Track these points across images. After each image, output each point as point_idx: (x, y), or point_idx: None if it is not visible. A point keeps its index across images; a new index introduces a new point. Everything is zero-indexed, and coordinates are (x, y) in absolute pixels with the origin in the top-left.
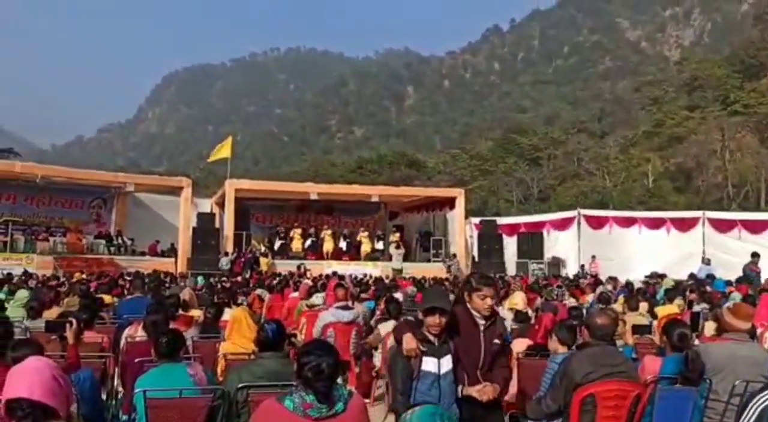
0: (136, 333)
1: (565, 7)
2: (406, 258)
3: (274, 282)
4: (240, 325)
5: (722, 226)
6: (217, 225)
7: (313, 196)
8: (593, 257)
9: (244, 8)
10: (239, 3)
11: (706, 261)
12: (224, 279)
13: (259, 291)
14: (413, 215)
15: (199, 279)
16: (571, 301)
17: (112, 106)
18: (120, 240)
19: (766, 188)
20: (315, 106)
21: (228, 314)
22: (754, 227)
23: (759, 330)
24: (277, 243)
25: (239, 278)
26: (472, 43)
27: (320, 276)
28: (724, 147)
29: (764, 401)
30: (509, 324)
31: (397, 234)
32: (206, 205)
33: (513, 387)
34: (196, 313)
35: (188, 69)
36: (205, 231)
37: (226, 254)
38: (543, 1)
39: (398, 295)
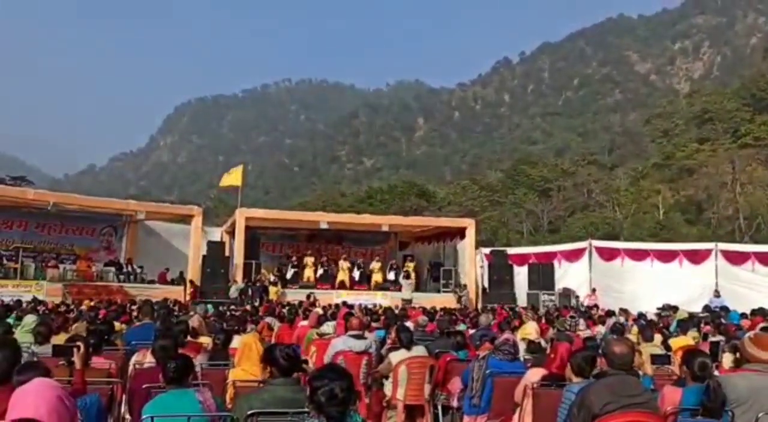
0: (145, 359)
1: (575, 40)
2: (417, 288)
3: (284, 310)
4: (250, 352)
5: (736, 259)
6: (227, 253)
7: (323, 226)
8: (593, 290)
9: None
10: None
11: (716, 294)
12: (233, 307)
13: (268, 319)
14: (424, 245)
15: (209, 307)
16: (586, 332)
17: (125, 136)
18: (130, 268)
19: None
20: (326, 136)
21: (237, 341)
22: (766, 259)
23: None
24: (290, 273)
25: (248, 307)
26: (482, 75)
27: (330, 305)
28: (734, 179)
29: None
30: (522, 354)
31: (408, 265)
32: (216, 234)
33: (528, 418)
34: (206, 340)
35: (200, 99)
36: (215, 259)
37: (236, 282)
38: (552, 34)
39: (409, 324)
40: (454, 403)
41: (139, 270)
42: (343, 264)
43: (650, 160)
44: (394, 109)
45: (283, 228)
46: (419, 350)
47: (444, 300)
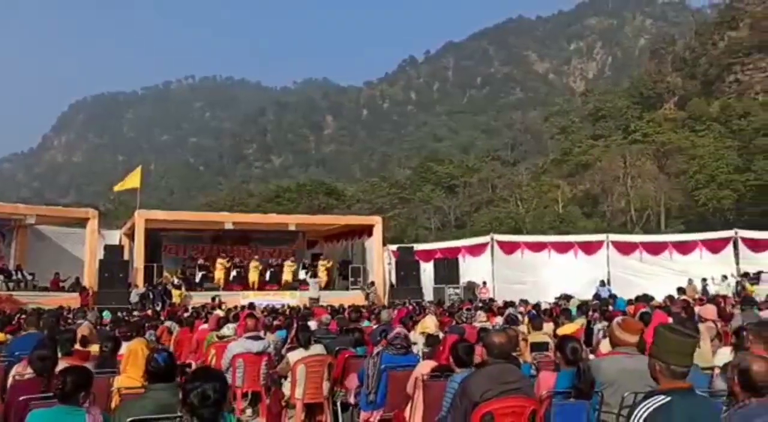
0: (25, 370)
1: (478, 40)
2: (326, 286)
3: (186, 314)
4: (136, 357)
5: (625, 249)
6: (126, 257)
7: (228, 226)
8: (484, 283)
9: (157, 36)
10: (150, 30)
11: (602, 283)
12: (136, 313)
13: (168, 323)
14: (332, 244)
15: (105, 313)
16: (485, 323)
17: (14, 136)
18: (20, 275)
19: (665, 212)
20: (232, 135)
21: (125, 347)
22: (654, 249)
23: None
24: (198, 275)
25: (149, 311)
26: (389, 73)
27: (235, 307)
28: (626, 173)
29: (647, 409)
30: (421, 348)
31: (322, 263)
32: (115, 237)
33: (419, 409)
34: (96, 349)
35: (97, 97)
36: (113, 263)
37: (136, 287)
38: (455, 33)
39: (312, 323)
40: (352, 399)
41: (30, 277)
42: (254, 265)
43: (550, 156)
44: (303, 107)
45: (187, 229)
46: (317, 348)
47: (352, 297)
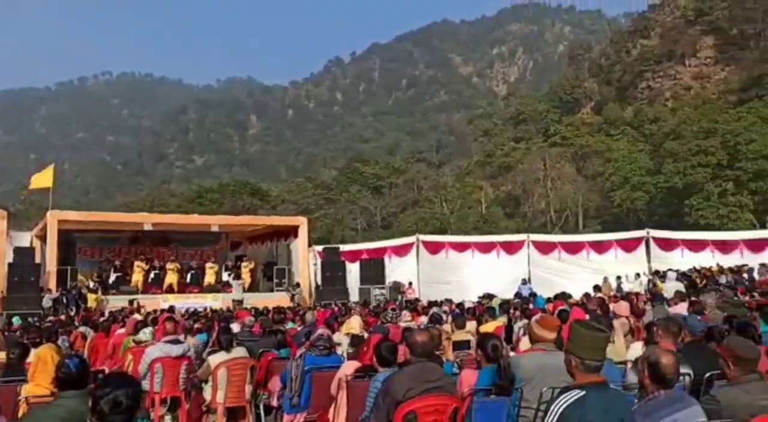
0: None
1: (402, 42)
2: (250, 288)
3: (102, 319)
4: (45, 364)
5: (545, 248)
6: (38, 260)
7: (147, 227)
8: (409, 283)
9: (71, 29)
10: (67, 24)
11: (523, 282)
12: (49, 318)
13: (82, 328)
14: (257, 245)
15: (15, 319)
16: (410, 323)
17: None
18: None
19: (582, 212)
20: (152, 133)
21: (34, 354)
22: (572, 248)
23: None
24: (113, 277)
25: (62, 316)
26: (314, 73)
27: (154, 311)
28: (546, 175)
29: (564, 403)
30: (345, 348)
31: (245, 265)
32: (25, 239)
33: (342, 410)
34: (2, 356)
35: (7, 92)
36: (23, 266)
37: (49, 291)
38: (381, 35)
39: (235, 326)
40: (275, 402)
41: None
42: (172, 267)
43: (473, 157)
44: (226, 105)
45: (103, 230)
46: (240, 351)
47: (278, 299)
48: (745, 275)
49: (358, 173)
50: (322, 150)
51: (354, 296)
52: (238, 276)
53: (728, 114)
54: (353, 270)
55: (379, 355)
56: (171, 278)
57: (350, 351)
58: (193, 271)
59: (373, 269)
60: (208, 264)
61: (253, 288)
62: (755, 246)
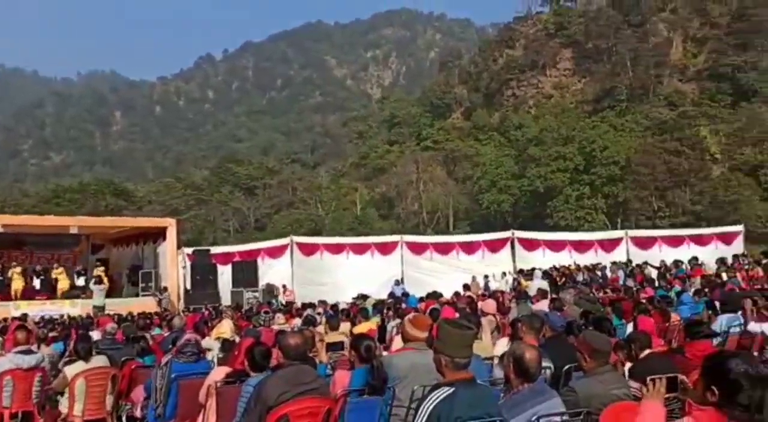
0: None
1: (276, 42)
2: (113, 293)
3: None
4: None
5: (417, 249)
6: None
7: None
8: (284, 286)
9: None
10: None
11: (396, 282)
12: None
13: None
14: (121, 248)
15: None
16: (284, 326)
17: None
18: None
19: (453, 214)
20: (4, 128)
21: None
22: (443, 249)
23: None
24: None
25: None
26: (184, 70)
27: (5, 319)
28: (419, 178)
29: (434, 401)
30: (216, 353)
31: (101, 269)
32: None
33: (212, 418)
34: None
35: None
36: None
37: None
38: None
39: (96, 333)
40: (138, 413)
41: None
42: (16, 271)
43: (348, 159)
44: (87, 100)
45: None
46: (100, 360)
47: (143, 304)
48: (599, 273)
49: (231, 173)
50: (192, 149)
51: (226, 299)
52: (100, 281)
53: (584, 122)
54: (225, 272)
55: (251, 359)
56: (17, 284)
57: (221, 356)
58: (41, 277)
59: (246, 271)
60: (58, 269)
61: (116, 293)
62: (607, 245)
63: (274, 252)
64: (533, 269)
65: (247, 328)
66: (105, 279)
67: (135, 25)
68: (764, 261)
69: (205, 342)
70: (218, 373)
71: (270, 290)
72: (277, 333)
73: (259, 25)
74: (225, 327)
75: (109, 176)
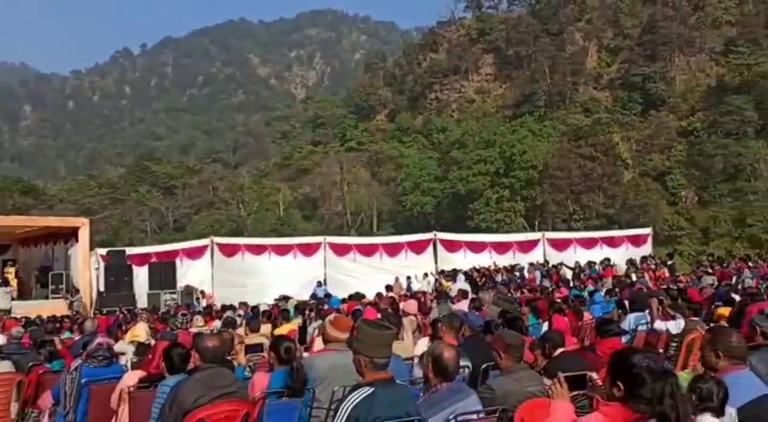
0: None
1: (198, 38)
2: (21, 296)
3: None
4: None
5: (340, 250)
6: None
7: None
8: (201, 291)
9: None
10: None
11: (318, 284)
12: None
13: None
14: (29, 248)
15: None
16: (203, 328)
17: None
18: None
19: (377, 215)
20: None
21: None
22: (367, 250)
23: None
24: None
25: None
26: (99, 64)
27: None
28: (343, 179)
29: (353, 401)
30: (130, 357)
31: (10, 270)
32: None
33: None
34: None
35: None
36: None
37: None
38: (174, 29)
39: (1, 338)
40: (45, 420)
41: None
42: None
43: (271, 159)
44: None
45: None
46: (4, 366)
47: (53, 307)
48: (517, 273)
49: (148, 172)
50: (107, 146)
51: (142, 302)
52: (6, 283)
53: (505, 127)
54: (141, 274)
55: (168, 361)
56: None
57: (135, 360)
58: None
59: (164, 273)
60: None
61: (24, 295)
62: (525, 247)
63: (194, 253)
64: (454, 270)
65: (164, 331)
66: (13, 281)
67: (47, 15)
68: (670, 263)
69: (119, 346)
70: (131, 378)
71: (189, 292)
72: (195, 335)
73: (180, 20)
74: (140, 330)
75: (18, 173)
